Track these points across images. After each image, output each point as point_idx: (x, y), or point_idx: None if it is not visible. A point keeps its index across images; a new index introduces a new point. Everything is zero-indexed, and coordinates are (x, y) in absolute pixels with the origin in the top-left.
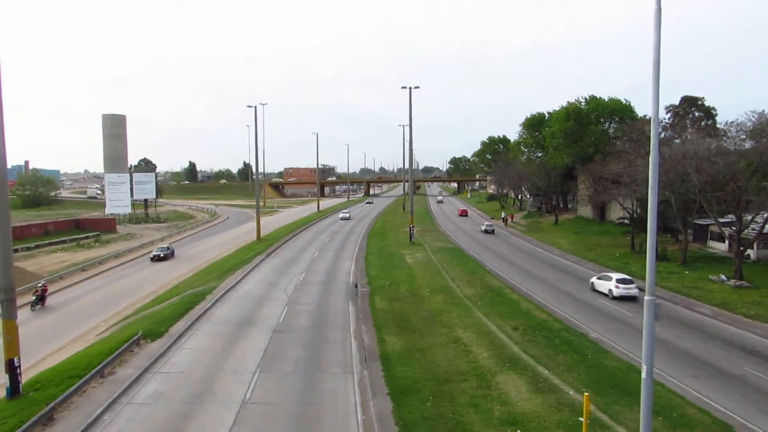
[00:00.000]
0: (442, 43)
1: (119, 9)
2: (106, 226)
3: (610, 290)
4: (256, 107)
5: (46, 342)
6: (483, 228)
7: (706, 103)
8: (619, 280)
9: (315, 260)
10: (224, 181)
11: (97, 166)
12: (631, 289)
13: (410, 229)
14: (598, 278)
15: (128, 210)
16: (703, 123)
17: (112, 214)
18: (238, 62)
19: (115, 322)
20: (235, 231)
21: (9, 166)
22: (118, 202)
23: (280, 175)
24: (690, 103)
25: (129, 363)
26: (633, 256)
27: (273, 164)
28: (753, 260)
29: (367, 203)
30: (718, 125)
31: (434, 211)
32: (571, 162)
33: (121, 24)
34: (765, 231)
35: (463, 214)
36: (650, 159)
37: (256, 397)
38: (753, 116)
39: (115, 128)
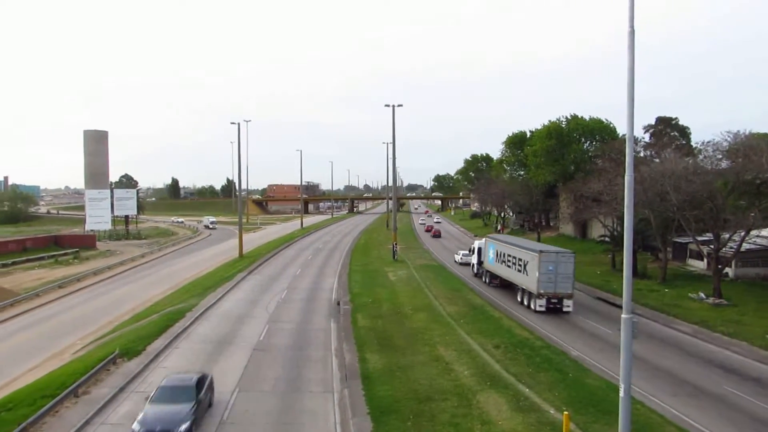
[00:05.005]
0: (426, 63)
1: (105, 27)
2: (86, 242)
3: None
4: (239, 124)
5: (19, 361)
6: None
7: (681, 123)
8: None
9: (297, 277)
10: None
11: (78, 182)
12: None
13: (393, 246)
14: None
15: (108, 226)
16: (678, 143)
17: (92, 230)
18: (223, 80)
19: (92, 341)
20: (217, 248)
21: None
22: (98, 219)
23: (263, 192)
24: (665, 123)
25: (104, 382)
26: (614, 274)
27: (257, 181)
28: (731, 278)
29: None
30: (693, 144)
31: (418, 228)
32: (552, 180)
33: (106, 42)
34: (742, 249)
35: (427, 213)
36: (626, 179)
37: (233, 418)
38: (729, 136)
39: (96, 144)
